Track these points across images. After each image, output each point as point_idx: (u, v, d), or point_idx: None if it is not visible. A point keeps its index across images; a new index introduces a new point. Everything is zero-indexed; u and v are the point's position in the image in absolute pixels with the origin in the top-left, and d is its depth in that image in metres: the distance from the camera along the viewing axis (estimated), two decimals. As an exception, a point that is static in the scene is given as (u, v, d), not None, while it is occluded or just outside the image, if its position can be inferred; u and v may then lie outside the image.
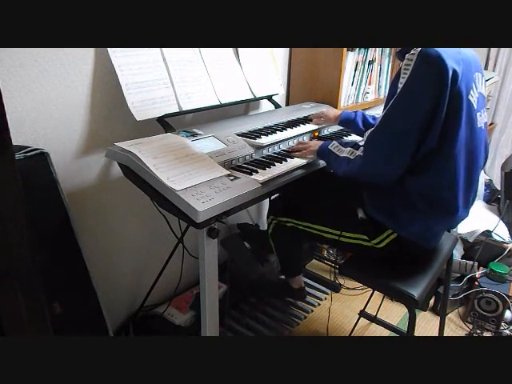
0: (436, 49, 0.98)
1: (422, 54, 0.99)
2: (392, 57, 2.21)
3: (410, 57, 1.02)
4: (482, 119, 1.15)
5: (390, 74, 2.24)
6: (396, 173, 1.10)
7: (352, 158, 1.17)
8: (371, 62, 2.04)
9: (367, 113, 2.09)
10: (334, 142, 1.28)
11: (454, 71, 0.99)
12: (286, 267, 1.70)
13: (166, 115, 1.33)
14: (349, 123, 1.54)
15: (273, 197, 1.60)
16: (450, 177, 1.09)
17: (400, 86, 1.03)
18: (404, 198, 1.13)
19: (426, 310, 1.91)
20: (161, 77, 1.34)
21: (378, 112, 2.18)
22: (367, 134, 1.13)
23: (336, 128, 1.73)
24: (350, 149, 1.20)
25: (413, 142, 1.05)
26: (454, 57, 1.00)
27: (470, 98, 1.06)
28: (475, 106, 1.09)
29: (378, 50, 2.07)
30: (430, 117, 1.02)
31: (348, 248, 1.36)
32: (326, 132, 1.69)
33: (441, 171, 1.08)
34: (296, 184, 1.30)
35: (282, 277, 1.84)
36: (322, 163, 1.36)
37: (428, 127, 1.03)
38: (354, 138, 1.66)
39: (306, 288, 1.95)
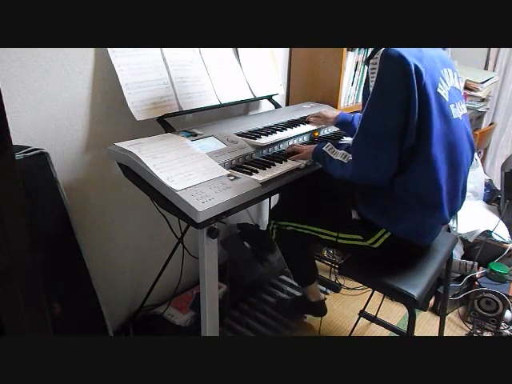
0: (396, 49, 1.03)
1: (384, 55, 1.04)
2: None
3: (374, 60, 1.06)
4: (457, 111, 1.17)
5: (390, 73, 2.24)
6: (386, 175, 1.12)
7: (345, 161, 1.18)
8: (371, 62, 2.04)
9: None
10: (329, 143, 1.28)
11: (416, 67, 1.03)
12: (299, 274, 1.65)
13: (166, 115, 1.33)
14: (346, 125, 1.54)
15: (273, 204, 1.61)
16: (430, 171, 1.10)
17: (371, 89, 1.07)
18: (392, 196, 1.15)
19: (425, 310, 1.92)
20: (161, 77, 1.34)
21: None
22: (352, 139, 1.15)
23: (336, 128, 1.73)
24: (343, 152, 1.21)
25: (395, 142, 1.07)
26: (414, 55, 1.04)
27: (439, 91, 1.09)
28: (447, 99, 1.12)
29: (378, 50, 2.07)
30: (405, 114, 1.05)
31: (346, 249, 1.36)
32: (326, 132, 1.69)
33: (421, 167, 1.10)
34: (294, 187, 1.30)
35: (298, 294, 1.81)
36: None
37: (405, 125, 1.06)
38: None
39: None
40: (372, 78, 1.07)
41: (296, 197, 1.46)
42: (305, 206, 1.45)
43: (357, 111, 2.04)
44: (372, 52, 1.18)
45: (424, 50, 1.09)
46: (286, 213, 1.47)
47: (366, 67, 1.14)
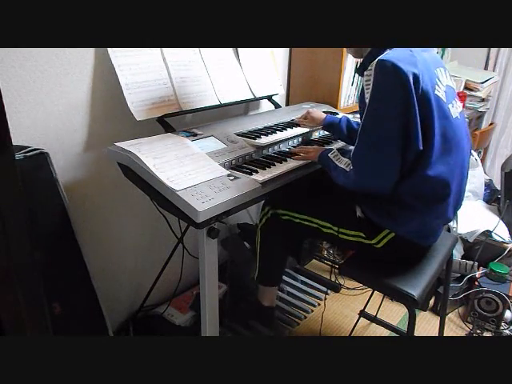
0: (389, 59, 1.01)
1: (378, 67, 1.02)
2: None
3: (368, 72, 1.06)
4: (455, 110, 1.17)
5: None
6: (388, 184, 1.11)
7: (348, 170, 1.17)
8: (371, 62, 2.04)
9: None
10: (335, 149, 1.28)
11: (413, 74, 1.02)
12: (267, 271, 1.55)
13: (166, 115, 1.33)
14: (333, 127, 1.51)
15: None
16: (436, 174, 1.10)
17: (367, 101, 1.06)
18: (396, 199, 1.14)
19: (425, 310, 1.91)
20: (161, 77, 1.34)
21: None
22: (352, 152, 1.15)
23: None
24: (347, 160, 1.21)
25: (396, 151, 1.07)
26: (408, 61, 1.03)
27: (436, 93, 1.09)
28: (444, 100, 1.12)
29: (378, 50, 2.07)
30: (404, 122, 1.04)
31: (348, 245, 1.35)
32: (326, 132, 1.69)
33: (426, 170, 1.09)
34: (296, 179, 1.29)
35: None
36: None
37: (407, 132, 1.05)
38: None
39: (306, 288, 1.96)
40: (367, 89, 1.06)
41: (298, 187, 1.42)
42: (307, 197, 1.42)
43: (356, 111, 2.05)
44: (363, 62, 1.19)
45: (415, 52, 1.08)
46: (286, 201, 1.42)
47: (361, 78, 1.13)
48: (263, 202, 1.48)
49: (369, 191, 1.18)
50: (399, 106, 1.03)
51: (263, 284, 1.58)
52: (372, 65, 1.04)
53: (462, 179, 1.21)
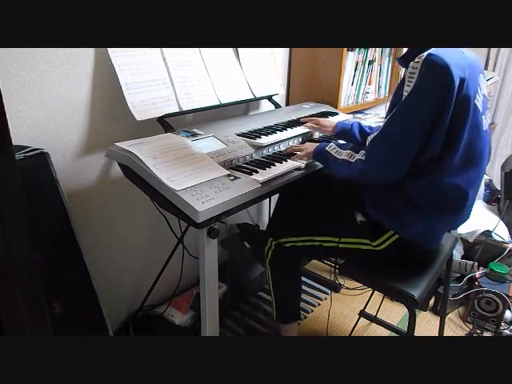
0: (442, 57, 0.98)
1: (428, 63, 0.99)
2: (392, 57, 2.21)
3: (415, 65, 1.02)
4: (486, 122, 1.15)
5: (390, 73, 2.25)
6: (396, 177, 1.11)
7: (352, 161, 1.16)
8: (371, 62, 2.04)
9: (367, 112, 2.10)
10: (332, 143, 1.27)
11: (461, 79, 1.00)
12: (285, 308, 1.49)
13: (166, 115, 1.33)
14: (345, 134, 1.48)
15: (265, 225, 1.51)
16: (454, 181, 1.09)
17: (405, 93, 1.04)
18: (405, 198, 1.13)
19: (425, 310, 1.91)
20: (161, 77, 1.34)
21: (377, 112, 2.18)
22: (370, 138, 1.13)
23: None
24: (348, 151, 1.20)
25: (415, 148, 1.06)
26: (459, 64, 1.00)
27: (475, 102, 1.06)
28: (481, 110, 1.09)
29: (378, 50, 2.07)
30: (434, 124, 1.03)
31: (348, 253, 1.33)
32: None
33: (444, 175, 1.08)
34: (289, 199, 1.29)
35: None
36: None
37: (431, 134, 1.04)
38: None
39: (306, 288, 1.96)
40: (409, 82, 1.03)
41: (292, 209, 1.43)
42: (303, 217, 1.40)
43: (356, 111, 2.05)
44: (408, 52, 1.14)
45: (466, 54, 1.05)
46: (284, 228, 1.41)
47: (403, 69, 1.09)
48: (264, 235, 1.46)
49: (373, 182, 1.17)
50: (437, 105, 1.01)
51: (285, 322, 1.51)
52: (420, 57, 1.00)
53: (476, 193, 1.18)
